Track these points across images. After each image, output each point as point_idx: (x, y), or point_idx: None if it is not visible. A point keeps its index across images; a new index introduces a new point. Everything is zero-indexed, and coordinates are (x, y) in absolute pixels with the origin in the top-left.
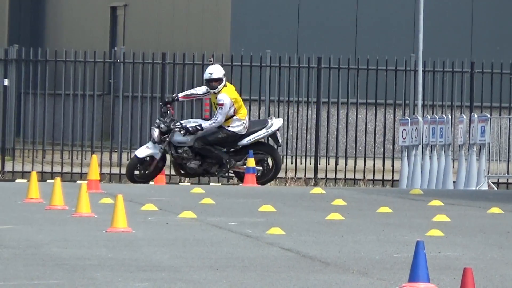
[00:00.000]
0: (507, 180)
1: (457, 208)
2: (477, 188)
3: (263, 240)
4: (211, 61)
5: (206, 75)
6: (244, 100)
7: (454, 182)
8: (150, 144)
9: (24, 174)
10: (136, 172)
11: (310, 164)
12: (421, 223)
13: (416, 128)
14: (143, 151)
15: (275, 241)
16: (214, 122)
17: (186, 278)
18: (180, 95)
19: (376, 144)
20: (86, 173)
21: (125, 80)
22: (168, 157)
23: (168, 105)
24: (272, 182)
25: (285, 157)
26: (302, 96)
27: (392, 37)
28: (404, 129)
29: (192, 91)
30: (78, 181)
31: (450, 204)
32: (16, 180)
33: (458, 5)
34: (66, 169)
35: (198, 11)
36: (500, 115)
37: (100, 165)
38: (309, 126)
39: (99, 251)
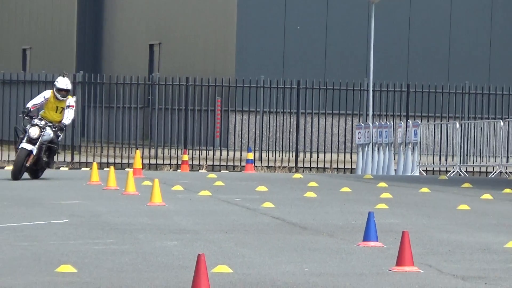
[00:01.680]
0: (433, 168)
1: (397, 188)
2: (411, 174)
3: (259, 211)
4: (66, 74)
5: (62, 85)
6: (244, 111)
7: (395, 170)
8: (26, 141)
9: (88, 164)
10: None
11: (292, 157)
12: (372, 199)
13: (368, 131)
14: (28, 146)
15: (267, 212)
16: (70, 120)
17: (204, 238)
18: (30, 105)
19: (339, 143)
20: (132, 163)
21: (160, 97)
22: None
23: (29, 114)
24: (265, 169)
25: (273, 151)
26: (286, 108)
27: (351, 64)
28: (359, 132)
29: (36, 101)
30: (126, 169)
31: (392, 185)
32: (82, 168)
33: (398, 39)
34: (118, 160)
35: (212, 47)
36: (428, 122)
37: (142, 157)
38: (291, 130)
39: (141, 219)
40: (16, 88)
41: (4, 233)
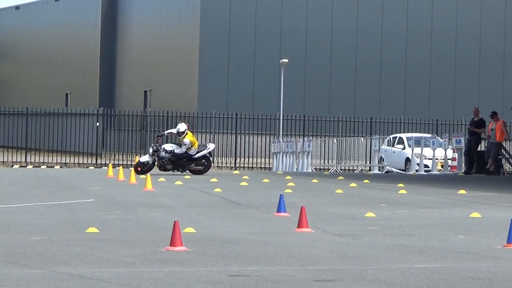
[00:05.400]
0: (320, 167)
1: (298, 179)
2: (306, 171)
3: (212, 194)
4: (181, 122)
5: (176, 130)
6: (203, 132)
7: (296, 168)
8: (147, 156)
9: (106, 165)
10: (139, 168)
11: (232, 160)
12: (282, 186)
13: (279, 144)
14: (144, 158)
15: (217, 194)
16: (181, 151)
17: (178, 211)
18: (166, 132)
19: (262, 151)
20: (133, 164)
21: (150, 123)
22: (156, 162)
23: (159, 137)
24: (216, 168)
25: (221, 157)
26: (229, 130)
27: (268, 102)
28: (274, 145)
29: (171, 131)
30: (129, 168)
31: (294, 178)
32: (103, 167)
33: (297, 87)
34: (125, 162)
35: (182, 92)
36: (317, 138)
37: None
38: (231, 144)
39: (139, 199)
40: (61, 118)
41: (53, 208)
